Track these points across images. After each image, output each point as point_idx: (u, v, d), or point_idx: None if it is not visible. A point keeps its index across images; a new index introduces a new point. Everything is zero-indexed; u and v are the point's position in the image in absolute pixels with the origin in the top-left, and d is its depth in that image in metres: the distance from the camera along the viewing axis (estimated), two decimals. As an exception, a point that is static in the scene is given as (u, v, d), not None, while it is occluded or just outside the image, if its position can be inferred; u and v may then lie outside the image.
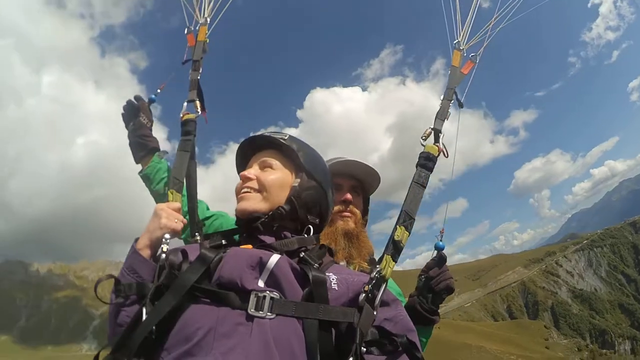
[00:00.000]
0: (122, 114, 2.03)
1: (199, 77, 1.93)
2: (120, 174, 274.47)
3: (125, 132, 2.03)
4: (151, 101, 2.04)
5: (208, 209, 2.05)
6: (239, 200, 1.47)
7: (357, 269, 1.85)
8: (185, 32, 2.01)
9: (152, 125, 2.04)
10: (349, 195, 2.00)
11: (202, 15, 1.99)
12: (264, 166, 1.52)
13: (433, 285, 1.76)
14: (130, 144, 2.02)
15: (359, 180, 2.10)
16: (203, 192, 1.88)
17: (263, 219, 1.42)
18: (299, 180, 1.51)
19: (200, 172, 1.88)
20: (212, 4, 2.01)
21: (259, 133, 1.60)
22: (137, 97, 2.02)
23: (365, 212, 2.18)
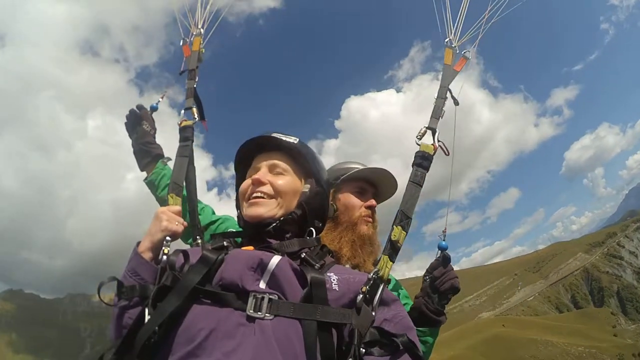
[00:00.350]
0: (125, 123, 2.10)
1: (195, 86, 1.98)
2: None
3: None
4: (153, 110, 2.10)
5: (214, 213, 2.11)
6: (250, 204, 1.45)
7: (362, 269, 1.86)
8: (181, 43, 2.09)
9: (155, 132, 2.10)
10: (374, 202, 2.07)
11: (196, 26, 2.09)
12: (274, 170, 1.51)
13: (438, 286, 1.76)
14: (135, 152, 2.09)
15: (375, 187, 2.15)
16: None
17: (275, 224, 1.43)
18: (308, 186, 1.53)
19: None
20: (205, 15, 2.10)
21: (266, 133, 1.56)
22: (139, 107, 2.09)
23: None
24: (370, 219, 2.04)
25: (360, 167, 2.11)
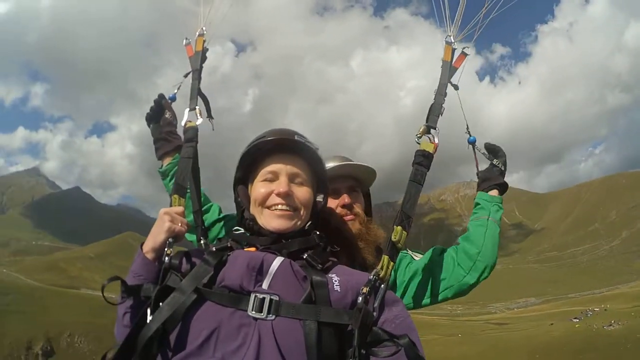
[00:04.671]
0: (148, 113, 2.08)
1: (199, 86, 1.96)
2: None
3: None
4: (171, 100, 2.08)
5: (221, 211, 2.08)
6: (275, 216, 1.43)
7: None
8: (184, 43, 2.06)
9: (177, 123, 2.08)
10: (347, 199, 2.00)
11: (199, 26, 2.06)
12: (295, 179, 1.48)
13: (491, 147, 2.00)
14: (155, 140, 2.07)
15: (355, 179, 2.12)
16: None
17: (294, 234, 1.44)
18: (322, 195, 1.56)
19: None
20: (208, 15, 2.08)
21: (288, 135, 1.49)
22: (160, 96, 2.06)
23: (368, 206, 2.20)
24: (351, 215, 2.00)
25: (332, 164, 2.03)
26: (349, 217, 1.99)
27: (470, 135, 1.97)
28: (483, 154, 2.02)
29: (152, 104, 2.07)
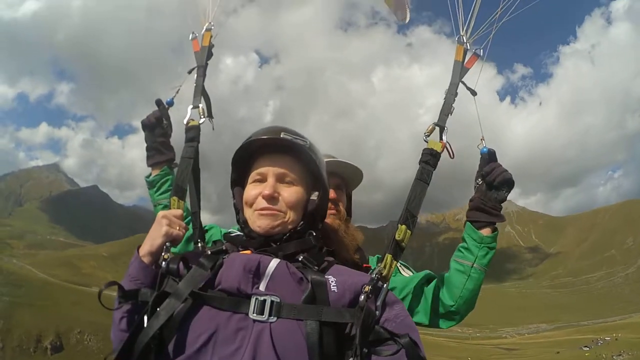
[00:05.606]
0: (145, 121, 2.01)
1: (204, 83, 1.91)
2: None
3: None
4: (169, 105, 2.02)
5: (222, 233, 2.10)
6: (261, 217, 1.39)
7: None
8: (190, 38, 2.01)
9: (171, 133, 2.04)
10: (333, 194, 1.99)
11: (207, 21, 2.02)
12: (283, 179, 1.44)
13: (490, 181, 1.75)
14: (149, 148, 2.03)
15: (342, 178, 2.12)
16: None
17: (284, 236, 1.41)
18: (317, 193, 1.49)
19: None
20: (216, 10, 2.04)
21: (273, 134, 1.43)
22: (158, 102, 2.01)
23: (349, 207, 2.20)
24: (334, 211, 2.00)
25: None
26: (331, 212, 1.97)
27: (484, 146, 1.81)
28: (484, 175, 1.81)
29: (153, 109, 2.02)
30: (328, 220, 1.90)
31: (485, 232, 1.77)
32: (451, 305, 1.76)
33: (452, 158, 1.66)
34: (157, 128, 2.00)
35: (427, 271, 1.95)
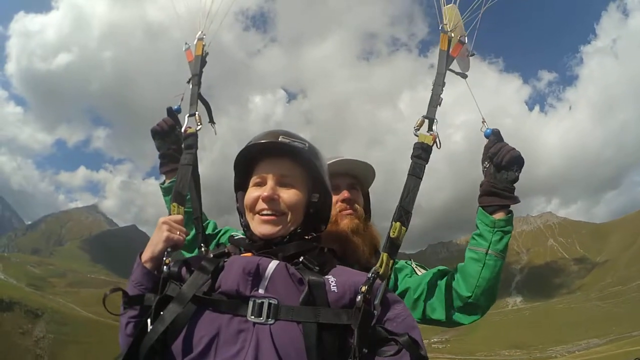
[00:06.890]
0: (156, 129, 2.04)
1: (199, 91, 1.96)
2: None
3: None
4: (177, 112, 2.07)
5: (216, 227, 2.16)
6: (261, 221, 1.41)
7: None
8: (183, 48, 2.08)
9: (182, 139, 2.04)
10: (347, 194, 1.99)
11: (199, 30, 2.09)
12: (282, 181, 1.45)
13: (498, 161, 1.66)
14: (163, 155, 2.06)
15: (356, 177, 2.10)
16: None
17: (284, 239, 1.42)
18: (317, 195, 1.50)
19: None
20: (207, 19, 2.11)
21: (272, 138, 1.45)
22: (169, 110, 2.05)
23: (367, 206, 2.17)
24: (350, 210, 1.98)
25: (330, 161, 2.01)
26: (347, 212, 1.97)
27: (487, 128, 1.74)
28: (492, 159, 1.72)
29: (162, 118, 2.07)
30: (345, 220, 1.92)
31: (498, 215, 1.67)
32: (468, 297, 1.66)
33: (439, 148, 1.62)
34: (170, 135, 2.05)
35: (441, 266, 1.91)
